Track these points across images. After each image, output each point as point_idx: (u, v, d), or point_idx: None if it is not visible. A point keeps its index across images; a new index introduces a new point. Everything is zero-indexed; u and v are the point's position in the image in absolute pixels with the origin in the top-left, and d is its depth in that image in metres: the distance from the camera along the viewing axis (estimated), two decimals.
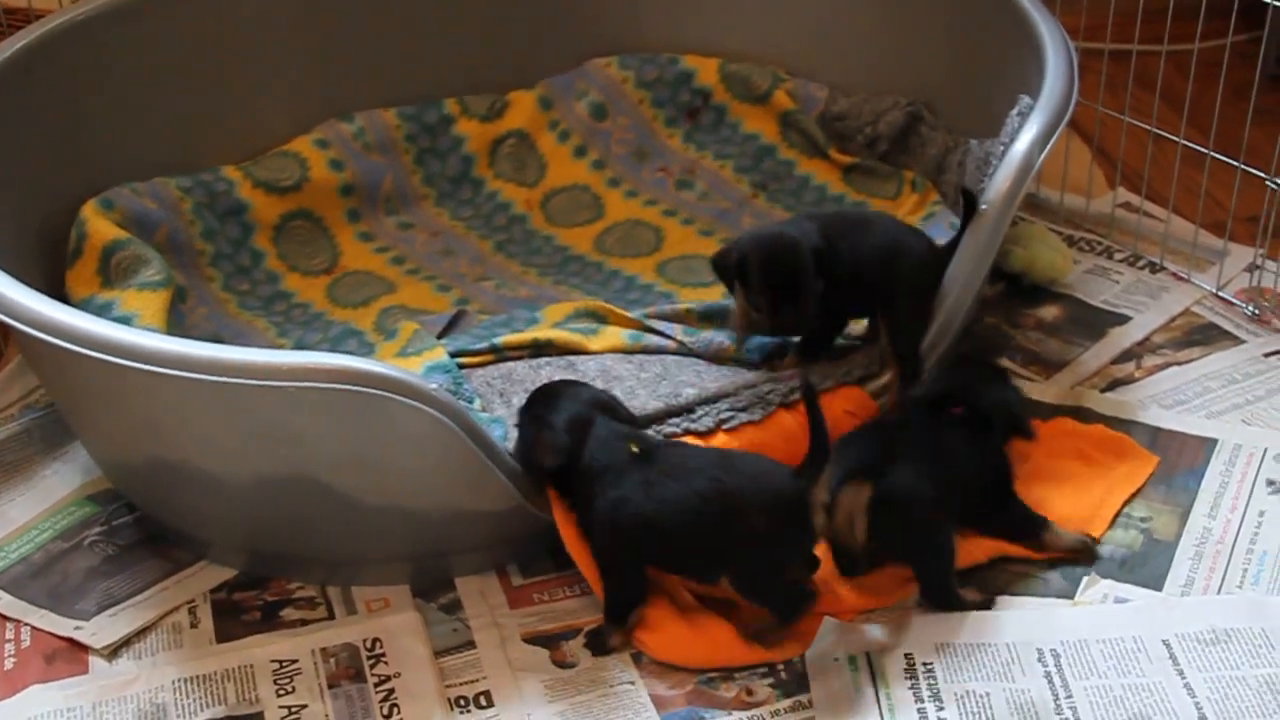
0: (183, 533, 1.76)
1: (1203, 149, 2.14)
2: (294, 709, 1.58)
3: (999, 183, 1.85)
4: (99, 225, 1.97)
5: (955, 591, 1.64)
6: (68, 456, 1.91)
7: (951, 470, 1.65)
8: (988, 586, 1.68)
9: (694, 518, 1.55)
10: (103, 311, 1.84)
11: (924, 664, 1.59)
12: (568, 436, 1.60)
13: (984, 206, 1.85)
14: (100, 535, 1.79)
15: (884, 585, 1.67)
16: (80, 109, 2.05)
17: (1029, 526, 1.71)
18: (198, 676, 1.61)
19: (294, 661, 1.62)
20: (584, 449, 1.60)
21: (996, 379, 1.81)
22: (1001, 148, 1.92)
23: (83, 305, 1.87)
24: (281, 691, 1.59)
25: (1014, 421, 1.74)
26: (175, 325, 1.90)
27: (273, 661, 1.62)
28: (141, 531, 1.78)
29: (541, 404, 1.65)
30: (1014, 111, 1.96)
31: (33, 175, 1.96)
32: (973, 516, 1.69)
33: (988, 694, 1.55)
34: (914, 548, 1.64)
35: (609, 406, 1.67)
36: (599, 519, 1.58)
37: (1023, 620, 1.64)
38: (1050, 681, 1.57)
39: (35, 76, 1.99)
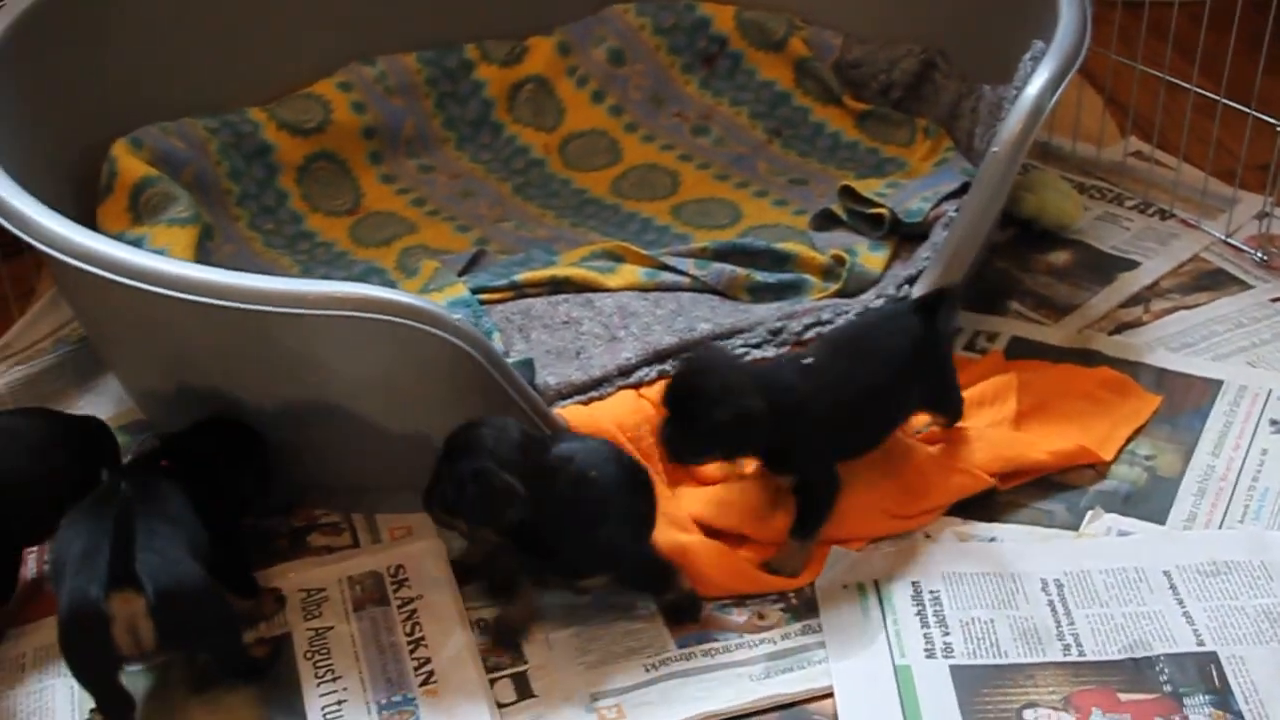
0: None
1: (1214, 96, 2.16)
2: (321, 630, 1.63)
3: (1010, 126, 1.87)
4: (129, 163, 2.01)
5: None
6: (99, 389, 1.96)
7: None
8: (993, 518, 1.72)
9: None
10: (133, 246, 1.88)
11: (930, 591, 1.64)
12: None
13: (994, 150, 1.88)
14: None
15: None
16: (110, 50, 2.09)
17: None
18: None
19: (321, 590, 1.67)
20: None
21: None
22: (1014, 93, 1.94)
23: (114, 240, 1.91)
24: (309, 615, 1.64)
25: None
26: (203, 261, 1.92)
27: (300, 590, 1.67)
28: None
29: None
30: (1027, 56, 1.99)
31: (64, 115, 2.00)
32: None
33: (992, 620, 1.60)
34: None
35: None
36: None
37: (1027, 551, 1.68)
38: (1053, 609, 1.61)
39: (67, 18, 2.03)
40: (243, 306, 1.55)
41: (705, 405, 1.56)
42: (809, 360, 1.67)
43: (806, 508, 1.65)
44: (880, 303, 1.90)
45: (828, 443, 1.65)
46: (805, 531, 1.66)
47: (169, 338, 1.69)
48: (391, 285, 2.04)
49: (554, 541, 1.55)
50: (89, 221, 1.97)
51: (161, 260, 1.61)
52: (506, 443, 1.53)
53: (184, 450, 1.63)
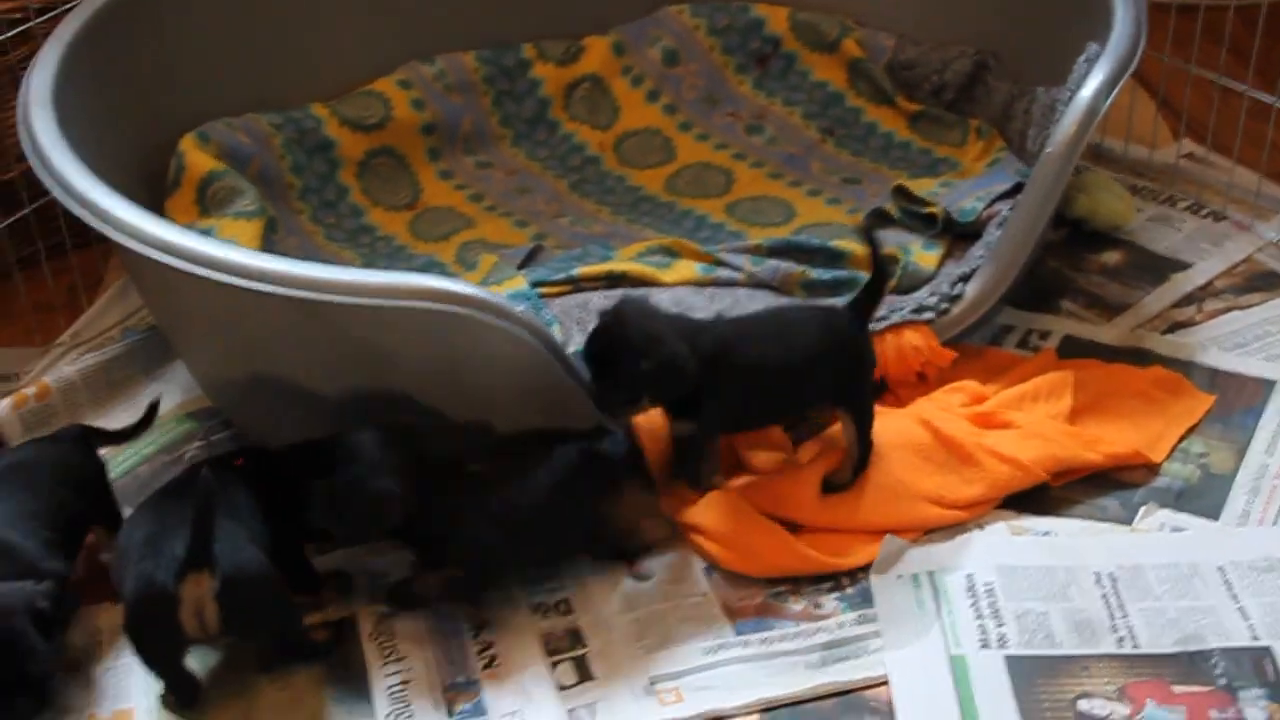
0: None
1: (1269, 99, 2.17)
2: (386, 615, 1.66)
3: (1064, 127, 1.89)
4: (196, 157, 2.05)
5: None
6: (167, 376, 2.00)
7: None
8: (1047, 512, 1.74)
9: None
10: None
11: (984, 583, 1.65)
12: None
13: (1049, 150, 1.89)
14: (200, 450, 1.88)
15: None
16: (177, 48, 2.14)
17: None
18: None
19: (386, 574, 1.70)
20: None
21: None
22: (1068, 94, 1.96)
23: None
24: (374, 598, 1.68)
25: None
26: (268, 253, 1.98)
27: (366, 573, 1.71)
28: (237, 446, 1.87)
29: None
30: (1081, 59, 2.00)
31: (134, 111, 2.05)
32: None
33: (1046, 612, 1.62)
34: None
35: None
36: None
37: (1080, 545, 1.69)
38: (1106, 602, 1.63)
39: (137, 17, 2.07)
40: (313, 296, 1.59)
41: (632, 355, 1.58)
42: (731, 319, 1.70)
43: (683, 454, 1.70)
44: (934, 300, 1.91)
45: (734, 400, 1.67)
46: (683, 473, 1.71)
47: (239, 326, 1.72)
48: (452, 278, 2.07)
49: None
50: (157, 214, 2.00)
51: (235, 250, 1.65)
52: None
53: (265, 458, 1.66)
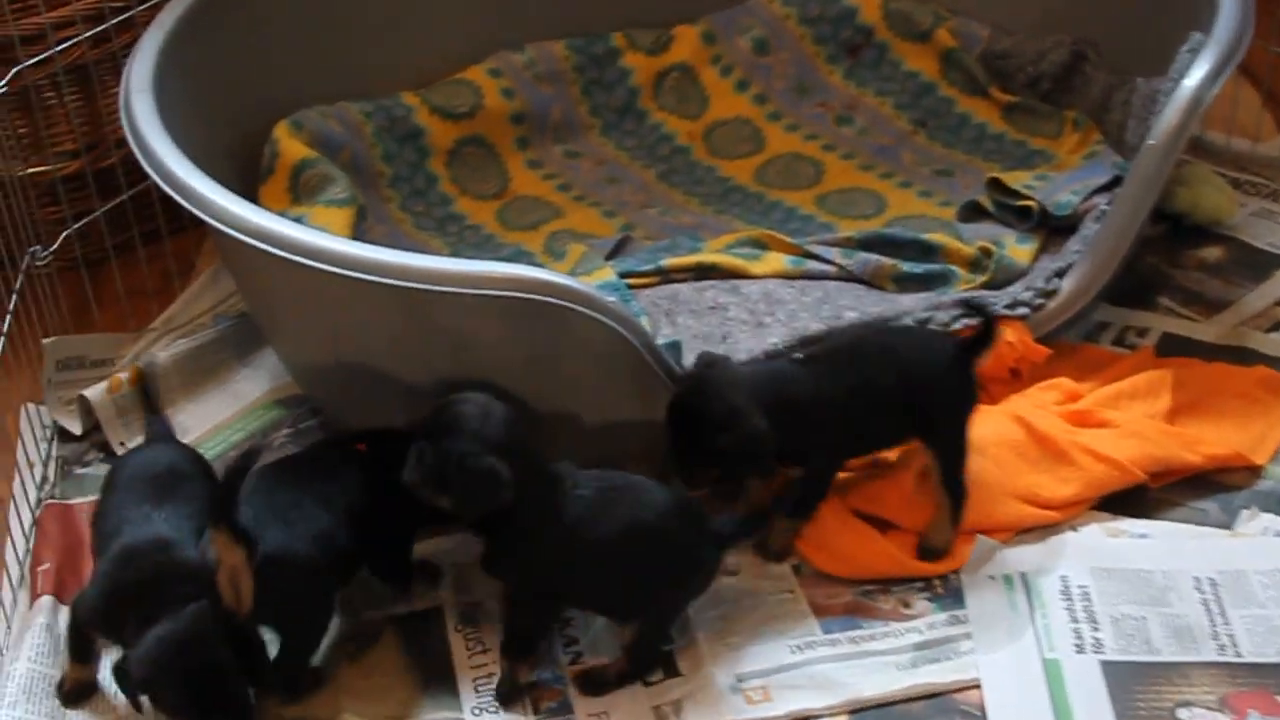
0: None
1: None
2: (472, 604, 1.66)
3: (1167, 118, 1.85)
4: (290, 145, 2.06)
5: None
6: (257, 362, 2.02)
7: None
8: (1144, 514, 1.70)
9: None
10: None
11: (1079, 586, 1.62)
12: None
13: (1151, 142, 1.85)
14: (289, 437, 1.89)
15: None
16: (272, 36, 2.15)
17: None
18: None
19: (473, 564, 1.69)
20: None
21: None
22: (1170, 85, 1.91)
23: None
24: (460, 589, 1.68)
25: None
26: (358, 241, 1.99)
27: (451, 565, 1.71)
28: (326, 433, 1.88)
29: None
30: (1184, 48, 1.95)
31: (230, 99, 2.06)
32: None
33: (1144, 617, 1.58)
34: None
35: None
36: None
37: (1179, 549, 1.65)
38: (1207, 608, 1.58)
39: (233, 6, 2.09)
40: (405, 284, 1.58)
41: (710, 429, 1.54)
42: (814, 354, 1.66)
43: (801, 495, 1.65)
44: (1029, 295, 1.87)
45: (838, 439, 1.63)
46: (798, 514, 1.65)
47: (328, 313, 1.73)
48: (540, 268, 2.07)
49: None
50: (251, 201, 2.02)
51: (328, 238, 1.66)
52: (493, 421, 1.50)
53: (389, 442, 1.60)
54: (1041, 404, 1.79)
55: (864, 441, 1.68)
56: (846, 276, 1.98)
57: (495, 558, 1.55)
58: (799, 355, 1.70)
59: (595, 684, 1.55)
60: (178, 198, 1.74)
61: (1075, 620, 1.58)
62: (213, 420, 1.94)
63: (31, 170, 2.11)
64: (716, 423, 1.55)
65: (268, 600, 1.48)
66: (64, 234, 2.06)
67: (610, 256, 2.06)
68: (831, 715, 1.51)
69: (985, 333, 1.66)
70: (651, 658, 1.56)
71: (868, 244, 2.02)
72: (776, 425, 1.56)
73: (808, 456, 1.63)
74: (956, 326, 1.82)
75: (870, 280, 1.97)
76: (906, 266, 1.98)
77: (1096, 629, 1.57)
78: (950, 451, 1.65)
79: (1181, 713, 1.48)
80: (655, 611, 1.55)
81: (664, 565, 1.52)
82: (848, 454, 1.68)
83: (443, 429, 1.51)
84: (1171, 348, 1.94)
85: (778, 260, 1.99)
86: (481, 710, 1.54)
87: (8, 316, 1.88)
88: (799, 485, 1.66)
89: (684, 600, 1.57)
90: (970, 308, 1.75)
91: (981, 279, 1.96)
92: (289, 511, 1.52)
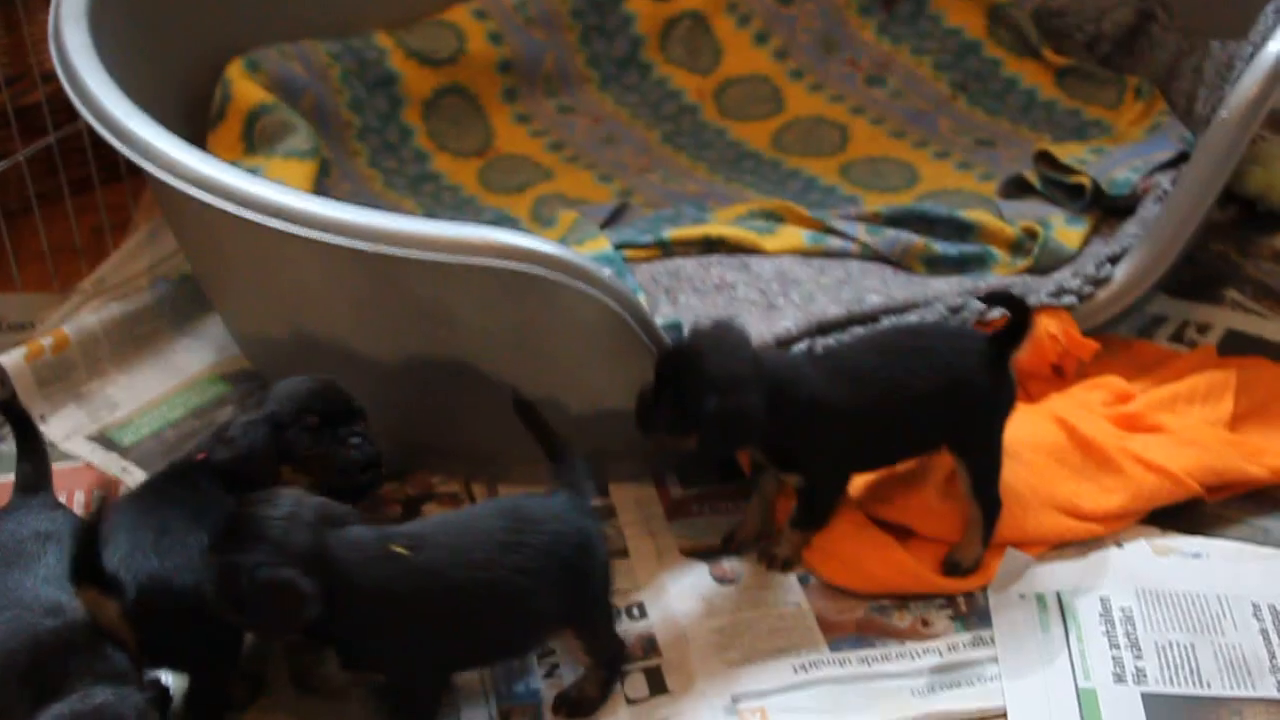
0: None
1: None
2: None
3: (1244, 88, 1.89)
4: (244, 87, 2.10)
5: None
6: (199, 331, 2.06)
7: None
8: (1198, 531, 1.74)
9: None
10: None
11: (1121, 608, 1.66)
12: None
13: (1223, 114, 1.89)
14: (233, 415, 1.92)
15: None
16: None
17: None
18: None
19: None
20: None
21: None
22: (1250, 49, 1.95)
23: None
24: None
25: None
26: None
27: None
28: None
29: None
30: (1270, 7, 1.99)
31: (176, 31, 2.09)
32: None
33: (1193, 645, 1.62)
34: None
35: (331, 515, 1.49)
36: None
37: (1238, 571, 1.70)
38: (1266, 638, 1.63)
39: None
40: (374, 248, 1.62)
41: (701, 389, 1.56)
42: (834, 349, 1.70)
43: (808, 504, 1.69)
44: (1077, 282, 1.92)
45: (843, 449, 1.66)
46: (805, 524, 1.69)
47: (285, 278, 1.77)
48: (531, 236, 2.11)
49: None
50: (200, 149, 2.06)
51: (287, 193, 1.69)
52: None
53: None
54: (1086, 405, 1.84)
55: (877, 455, 1.71)
56: (871, 256, 2.02)
57: (352, 655, 1.51)
58: (819, 352, 1.73)
59: (582, 707, 1.59)
60: (114, 141, 1.77)
61: (1115, 646, 1.63)
62: (146, 395, 1.98)
63: None
64: (710, 383, 1.56)
65: (154, 640, 1.49)
66: None
67: (606, 225, 2.10)
68: None
69: (1018, 324, 1.68)
70: (616, 650, 1.60)
71: (896, 220, 2.06)
72: (771, 419, 1.59)
73: (802, 464, 1.67)
74: (994, 316, 1.87)
75: (898, 261, 2.02)
76: (939, 247, 2.02)
77: (1139, 657, 1.61)
78: (983, 461, 1.69)
79: None
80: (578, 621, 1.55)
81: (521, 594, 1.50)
82: (856, 467, 1.72)
83: (238, 537, 1.43)
84: (1237, 346, 1.99)
85: (794, 235, 2.04)
86: None
87: None
88: (802, 495, 1.70)
89: (593, 601, 1.56)
90: (993, 300, 1.75)
91: (1023, 263, 2.01)
92: (158, 539, 1.54)
